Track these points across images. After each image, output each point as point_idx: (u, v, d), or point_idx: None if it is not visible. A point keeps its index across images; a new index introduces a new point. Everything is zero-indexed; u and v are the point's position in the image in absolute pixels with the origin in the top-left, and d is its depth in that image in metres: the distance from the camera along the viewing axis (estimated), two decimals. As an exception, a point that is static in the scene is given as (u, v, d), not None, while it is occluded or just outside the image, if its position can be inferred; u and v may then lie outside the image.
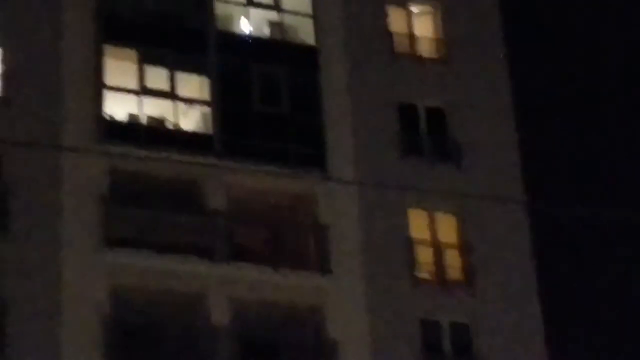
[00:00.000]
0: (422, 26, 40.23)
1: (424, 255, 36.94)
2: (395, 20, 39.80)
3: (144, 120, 35.92)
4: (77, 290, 33.39)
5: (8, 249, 33.09)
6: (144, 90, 36.10)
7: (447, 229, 37.69)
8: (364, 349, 35.39)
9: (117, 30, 36.47)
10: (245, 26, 38.23)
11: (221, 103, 36.38)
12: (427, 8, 40.58)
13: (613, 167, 63.17)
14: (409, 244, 36.73)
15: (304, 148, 36.89)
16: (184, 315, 34.36)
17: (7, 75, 35.08)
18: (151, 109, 35.94)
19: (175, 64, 36.82)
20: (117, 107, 35.58)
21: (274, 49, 38.16)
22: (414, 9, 40.31)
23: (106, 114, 35.27)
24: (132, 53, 36.29)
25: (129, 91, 36.01)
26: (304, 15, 38.60)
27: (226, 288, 34.50)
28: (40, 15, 36.02)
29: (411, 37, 39.62)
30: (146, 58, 36.53)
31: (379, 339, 35.54)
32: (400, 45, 39.34)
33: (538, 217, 39.13)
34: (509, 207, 38.31)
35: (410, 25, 40.13)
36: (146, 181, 34.97)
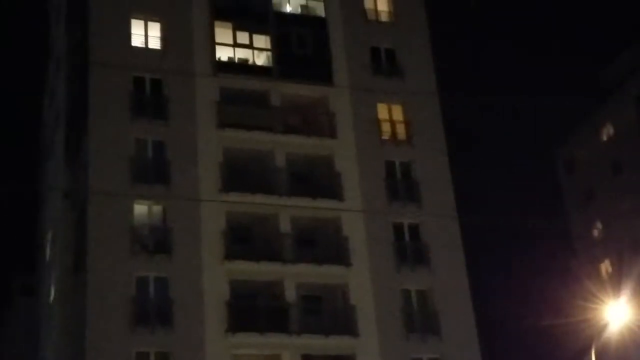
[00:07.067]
0: (381, 4, 42.61)
1: (385, 127, 40.12)
2: (368, 1, 42.40)
3: (236, 60, 39.08)
4: (207, 144, 36.62)
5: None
6: (236, 44, 38.98)
7: (398, 113, 40.56)
8: (355, 174, 38.14)
9: (221, 12, 39.04)
10: (288, 7, 41.03)
11: (277, 50, 39.38)
12: (384, -7, 44.14)
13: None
14: (378, 121, 40.03)
15: (320, 71, 39.51)
16: (259, 160, 37.42)
17: (163, 38, 38.17)
18: (240, 54, 39.31)
19: (252, 29, 39.33)
20: (222, 54, 38.86)
21: (303, 19, 40.79)
22: (378, -7, 43.65)
23: (217, 57, 38.30)
24: (229, 25, 38.97)
25: (228, 45, 38.72)
26: (318, 0, 41.12)
27: (283, 146, 37.68)
28: (178, 6, 38.83)
29: (376, 10, 42.48)
30: (237, 27, 39.06)
31: (364, 173, 38.39)
32: (370, 14, 42.32)
33: (448, 106, 41.66)
34: (429, 99, 40.81)
35: (376, 3, 42.47)
36: (239, 92, 38.17)
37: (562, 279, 54.37)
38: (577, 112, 59.10)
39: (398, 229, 38.09)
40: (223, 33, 38.89)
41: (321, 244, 37.39)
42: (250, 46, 39.19)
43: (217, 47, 38.52)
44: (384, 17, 42.58)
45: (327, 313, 36.29)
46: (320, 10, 41.26)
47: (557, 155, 64.55)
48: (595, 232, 59.17)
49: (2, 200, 51.38)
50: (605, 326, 29.28)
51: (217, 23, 38.89)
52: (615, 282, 52.33)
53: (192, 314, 33.87)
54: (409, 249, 37.91)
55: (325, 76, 39.69)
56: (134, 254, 33.94)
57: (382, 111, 40.37)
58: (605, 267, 57.51)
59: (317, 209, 36.79)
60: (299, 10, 41.27)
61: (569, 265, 57.78)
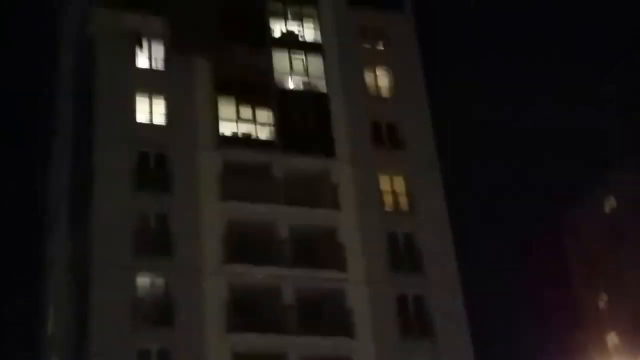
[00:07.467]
0: (381, 79, 42.65)
1: (387, 198, 40.15)
2: (369, 77, 42.57)
3: (239, 134, 39.08)
4: (211, 216, 36.65)
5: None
6: (239, 119, 39.20)
7: (399, 185, 40.63)
8: (358, 245, 37.97)
9: (224, 88, 39.35)
10: (291, 84, 41.18)
11: (279, 124, 39.54)
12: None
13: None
14: (380, 193, 40.03)
15: (322, 144, 39.49)
16: (262, 232, 36.95)
17: (168, 113, 38.42)
18: (243, 128, 39.24)
19: (255, 104, 39.59)
20: (226, 128, 39.01)
21: (305, 96, 40.90)
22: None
23: (220, 131, 38.55)
24: (232, 100, 39.31)
25: (231, 120, 39.00)
26: (320, 78, 41.45)
27: (286, 218, 37.49)
28: (182, 82, 39.15)
29: (377, 85, 42.46)
30: (240, 102, 39.38)
31: (367, 244, 38.08)
32: (371, 90, 42.37)
33: (448, 178, 41.47)
34: (430, 170, 40.97)
35: (376, 79, 42.56)
36: (242, 165, 38.02)
37: (569, 350, 54.18)
38: (581, 176, 58.57)
39: (402, 300, 37.71)
40: (226, 107, 39.03)
41: (325, 315, 37.00)
42: (253, 121, 39.27)
43: (221, 122, 38.65)
44: (384, 92, 42.91)
45: (332, 386, 36.12)
46: (321, 85, 41.50)
47: (562, 224, 64.36)
48: (601, 304, 58.76)
49: (5, 270, 51.33)
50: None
51: (220, 98, 39.14)
52: (622, 354, 52.05)
53: (195, 386, 33.79)
54: (413, 320, 37.47)
55: (327, 149, 39.74)
56: (137, 326, 33.70)
57: (384, 183, 40.27)
58: (612, 338, 56.90)
59: (320, 280, 36.58)
60: (300, 86, 41.41)
61: (575, 336, 57.46)
